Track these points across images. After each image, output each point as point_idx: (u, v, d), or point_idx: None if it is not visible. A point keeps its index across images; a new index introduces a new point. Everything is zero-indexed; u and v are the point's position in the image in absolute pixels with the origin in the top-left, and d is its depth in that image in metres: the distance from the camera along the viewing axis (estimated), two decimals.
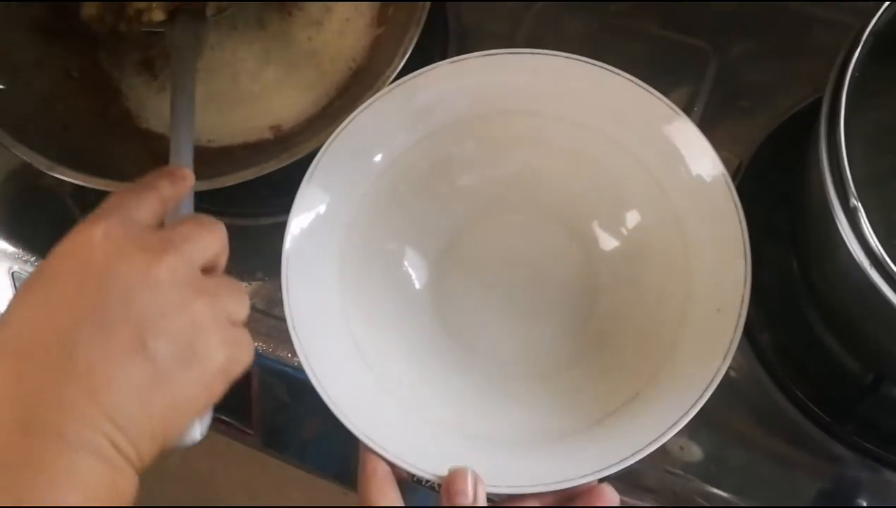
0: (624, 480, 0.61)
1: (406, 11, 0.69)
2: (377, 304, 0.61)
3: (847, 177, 0.48)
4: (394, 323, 0.62)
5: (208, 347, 0.43)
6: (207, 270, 0.46)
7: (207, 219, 0.48)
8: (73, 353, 0.38)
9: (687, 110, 0.70)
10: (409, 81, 0.61)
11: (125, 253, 0.41)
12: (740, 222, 0.56)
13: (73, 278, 0.40)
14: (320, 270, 0.60)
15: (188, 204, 0.53)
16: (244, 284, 0.45)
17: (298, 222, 0.59)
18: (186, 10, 0.72)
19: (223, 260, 0.48)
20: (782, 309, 0.64)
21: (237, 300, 0.46)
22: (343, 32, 0.78)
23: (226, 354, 0.44)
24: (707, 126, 0.69)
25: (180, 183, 0.51)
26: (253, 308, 0.68)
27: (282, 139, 0.74)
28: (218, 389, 0.44)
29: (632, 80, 0.60)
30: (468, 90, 0.62)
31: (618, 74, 0.61)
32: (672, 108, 0.60)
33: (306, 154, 0.63)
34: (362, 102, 0.62)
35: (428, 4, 0.68)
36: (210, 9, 0.74)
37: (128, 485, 0.40)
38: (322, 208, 0.60)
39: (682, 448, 0.62)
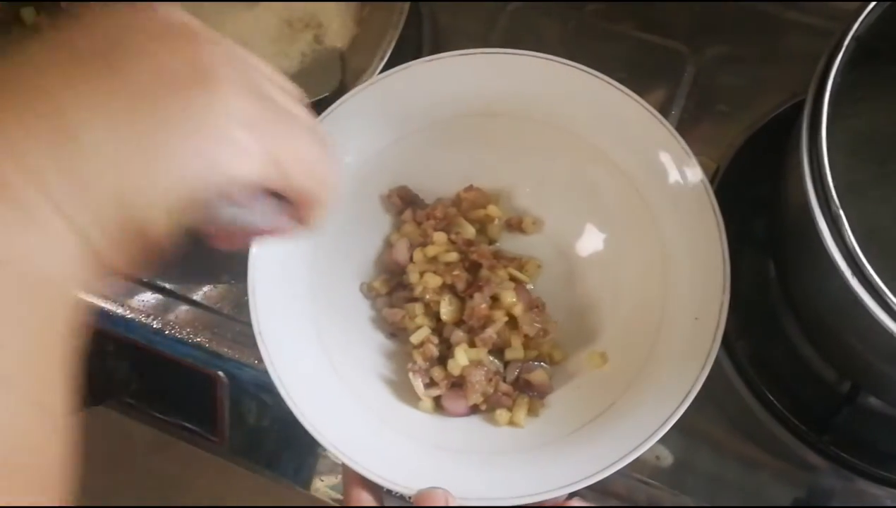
0: (594, 488, 0.59)
1: (384, 12, 0.67)
2: (348, 312, 0.60)
3: (829, 184, 0.47)
4: (365, 332, 0.60)
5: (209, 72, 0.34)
6: None
7: None
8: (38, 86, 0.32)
9: (664, 113, 0.68)
10: (380, 81, 0.60)
11: None
12: (719, 229, 0.55)
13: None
14: (289, 276, 0.58)
15: None
16: None
17: None
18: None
19: None
20: (759, 316, 0.63)
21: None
22: (316, 37, 0.76)
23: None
24: (684, 129, 0.68)
25: None
26: (219, 313, 0.67)
27: None
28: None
29: (610, 83, 0.59)
30: (442, 91, 0.61)
31: (595, 76, 0.59)
32: (650, 112, 0.59)
33: None
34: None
35: (408, 6, 0.66)
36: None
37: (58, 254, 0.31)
38: None
39: (658, 457, 0.61)
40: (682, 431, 0.60)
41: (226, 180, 0.34)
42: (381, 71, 0.63)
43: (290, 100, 0.38)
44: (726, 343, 0.62)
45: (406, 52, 0.71)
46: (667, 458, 0.61)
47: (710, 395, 0.61)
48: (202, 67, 0.33)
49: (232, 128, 0.34)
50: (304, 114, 0.39)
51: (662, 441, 0.54)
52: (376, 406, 0.56)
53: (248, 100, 0.34)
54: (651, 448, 0.52)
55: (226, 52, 0.35)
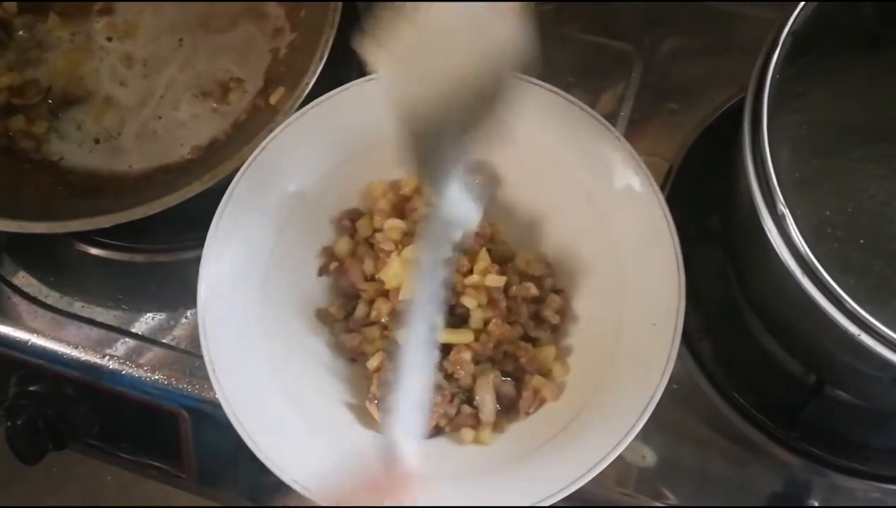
0: (566, 498, 0.59)
1: (318, 13, 0.66)
2: (304, 341, 0.59)
3: (773, 183, 0.46)
4: (324, 359, 0.59)
5: None
6: None
7: None
8: None
9: (614, 114, 0.68)
10: (321, 105, 0.59)
11: None
12: (671, 234, 0.55)
13: None
14: (240, 308, 0.57)
15: None
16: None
17: (214, 266, 0.56)
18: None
19: None
20: (722, 314, 0.62)
21: None
22: (255, 41, 0.75)
23: None
24: (636, 130, 0.68)
25: None
26: (176, 348, 0.66)
27: (202, 159, 0.71)
28: None
29: (555, 91, 0.59)
30: (385, 109, 0.60)
31: (541, 86, 0.59)
32: (597, 119, 0.58)
33: (229, 173, 0.60)
34: (283, 112, 0.60)
35: (340, 4, 0.65)
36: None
37: None
38: (237, 248, 0.57)
39: (644, 457, 0.60)
40: (657, 433, 0.60)
41: None
42: (321, 72, 0.62)
43: None
44: (690, 344, 0.62)
45: (351, 64, 0.70)
46: (644, 459, 0.60)
47: (681, 396, 0.61)
48: None
49: None
50: None
51: (640, 442, 0.53)
52: (338, 434, 0.55)
53: None
54: (634, 449, 0.52)
55: None
